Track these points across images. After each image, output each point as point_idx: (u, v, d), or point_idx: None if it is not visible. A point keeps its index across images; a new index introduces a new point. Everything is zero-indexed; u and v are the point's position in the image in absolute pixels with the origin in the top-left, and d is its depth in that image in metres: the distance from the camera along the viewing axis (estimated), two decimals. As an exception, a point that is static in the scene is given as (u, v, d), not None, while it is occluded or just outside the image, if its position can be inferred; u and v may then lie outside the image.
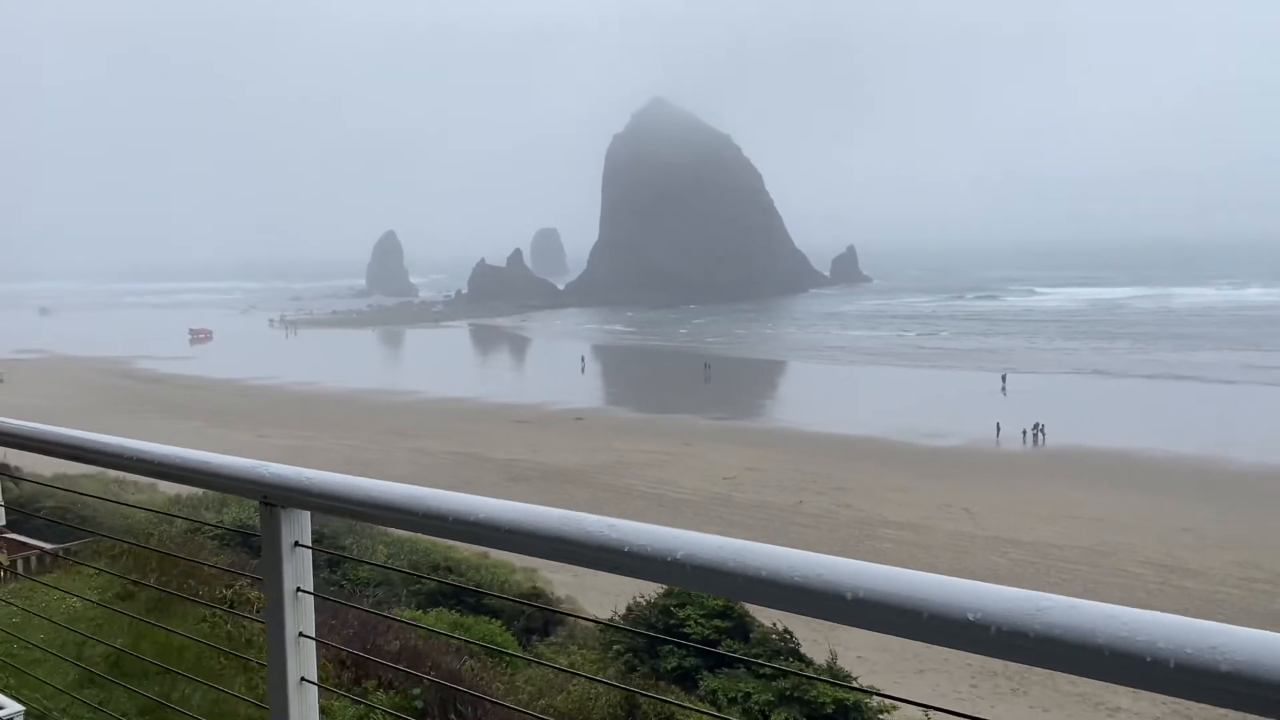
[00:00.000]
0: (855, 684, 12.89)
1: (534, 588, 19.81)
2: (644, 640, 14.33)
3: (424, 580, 18.01)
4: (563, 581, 31.53)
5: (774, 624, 13.97)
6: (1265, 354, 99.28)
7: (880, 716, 12.64)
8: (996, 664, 26.74)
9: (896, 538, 39.37)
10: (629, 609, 15.05)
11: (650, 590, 30.19)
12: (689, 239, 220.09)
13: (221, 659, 8.22)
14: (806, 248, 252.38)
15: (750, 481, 49.49)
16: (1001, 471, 52.75)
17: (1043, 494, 47.15)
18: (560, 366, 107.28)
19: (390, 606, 16.61)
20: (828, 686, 12.46)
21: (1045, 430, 60.90)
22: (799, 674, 12.67)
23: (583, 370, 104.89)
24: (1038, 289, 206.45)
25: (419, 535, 33.96)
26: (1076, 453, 56.57)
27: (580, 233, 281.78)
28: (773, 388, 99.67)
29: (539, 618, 17.84)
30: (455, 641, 13.82)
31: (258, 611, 9.62)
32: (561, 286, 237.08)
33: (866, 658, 26.41)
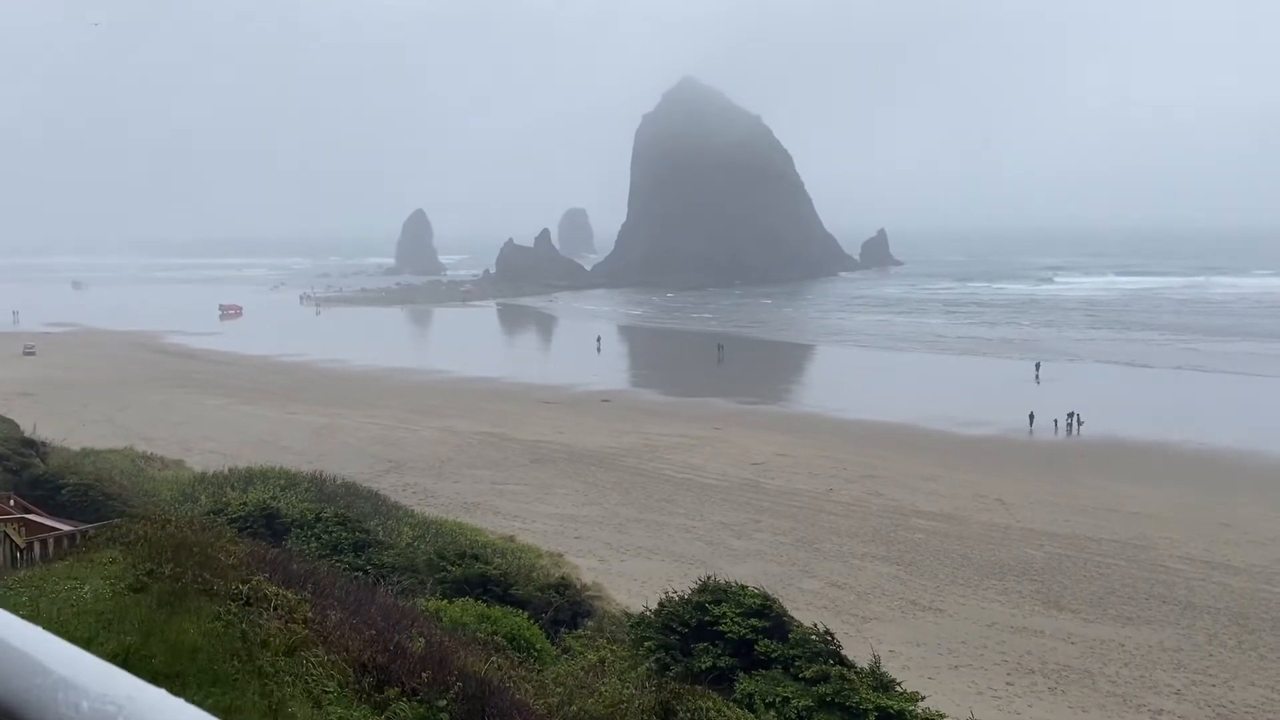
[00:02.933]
0: (899, 689, 12.29)
1: (562, 576, 19.30)
2: (676, 638, 13.79)
3: (449, 568, 17.54)
4: (590, 568, 31.14)
5: (814, 624, 13.38)
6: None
7: (925, 725, 12.06)
8: (1034, 661, 26.06)
9: (929, 528, 38.62)
10: (661, 604, 14.51)
11: (682, 583, 29.71)
12: (718, 220, 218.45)
13: (235, 661, 7.74)
14: (836, 231, 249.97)
15: (780, 467, 48.83)
16: (1035, 462, 51.81)
17: (1078, 485, 46.22)
18: (587, 347, 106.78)
19: (416, 595, 16.16)
20: (871, 693, 11.87)
21: (1081, 420, 59.78)
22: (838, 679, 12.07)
23: (599, 350, 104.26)
24: (1071, 277, 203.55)
25: (445, 517, 33.67)
26: (1112, 444, 55.47)
27: (608, 213, 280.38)
28: (802, 372, 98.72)
29: (566, 609, 17.35)
30: (482, 635, 13.34)
31: (275, 608, 9.13)
32: (589, 267, 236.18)
33: (899, 652, 25.81)
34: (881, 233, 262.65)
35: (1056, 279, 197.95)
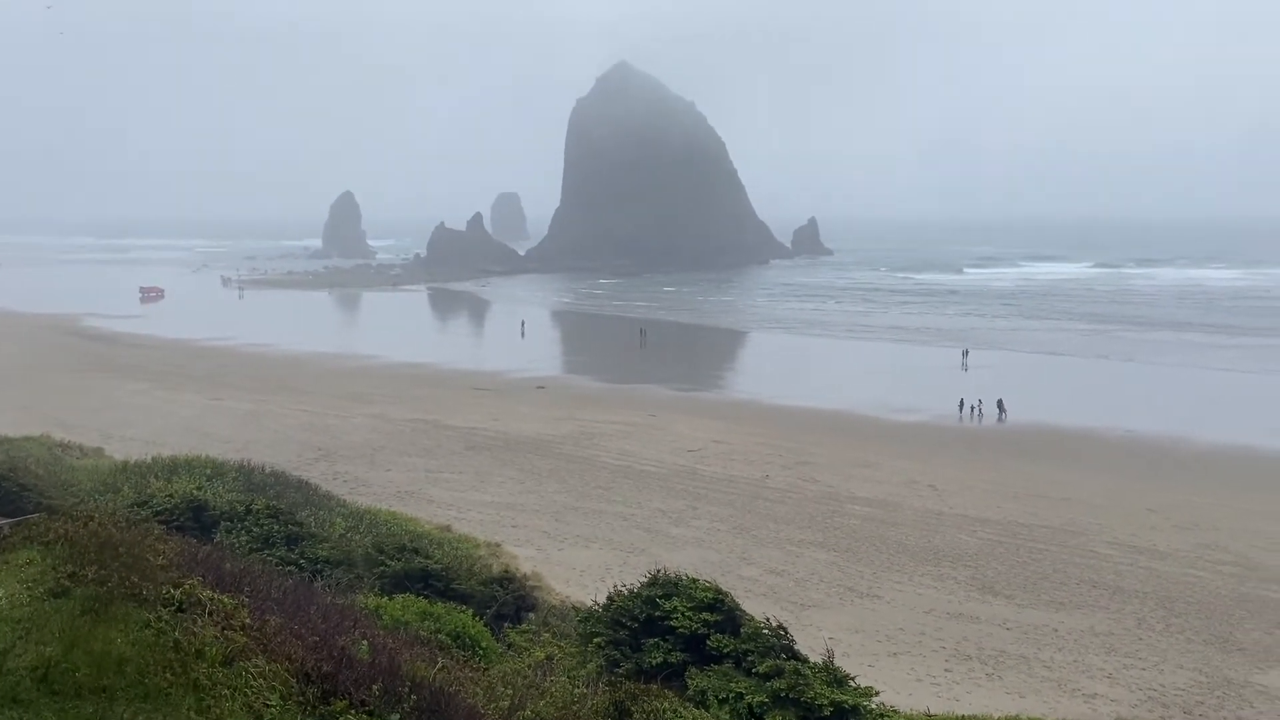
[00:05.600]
0: (853, 684, 12.13)
1: (505, 569, 18.85)
2: (626, 633, 13.47)
3: (388, 562, 16.98)
4: (528, 557, 30.66)
5: (767, 618, 13.16)
6: (1224, 335, 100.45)
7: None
8: (970, 647, 26.32)
9: (865, 514, 38.90)
10: (610, 598, 14.17)
11: (621, 572, 29.41)
12: (651, 206, 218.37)
13: (168, 674, 7.19)
14: (768, 218, 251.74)
15: (716, 454, 48.83)
16: (966, 448, 52.58)
17: (1008, 471, 47.00)
18: (526, 334, 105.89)
19: (354, 592, 15.59)
20: (826, 688, 11.69)
21: (1006, 407, 60.85)
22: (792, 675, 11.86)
23: (523, 335, 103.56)
24: (1000, 266, 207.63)
25: (378, 506, 32.91)
26: (1039, 430, 56.57)
27: (542, 198, 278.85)
28: (736, 358, 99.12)
29: (510, 603, 16.92)
30: (426, 634, 12.87)
31: (209, 614, 8.56)
32: (522, 252, 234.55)
33: (839, 639, 25.81)
34: (812, 221, 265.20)
35: (985, 268, 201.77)
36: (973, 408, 61.29)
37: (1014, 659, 25.55)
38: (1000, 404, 61.21)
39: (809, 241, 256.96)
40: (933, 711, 16.27)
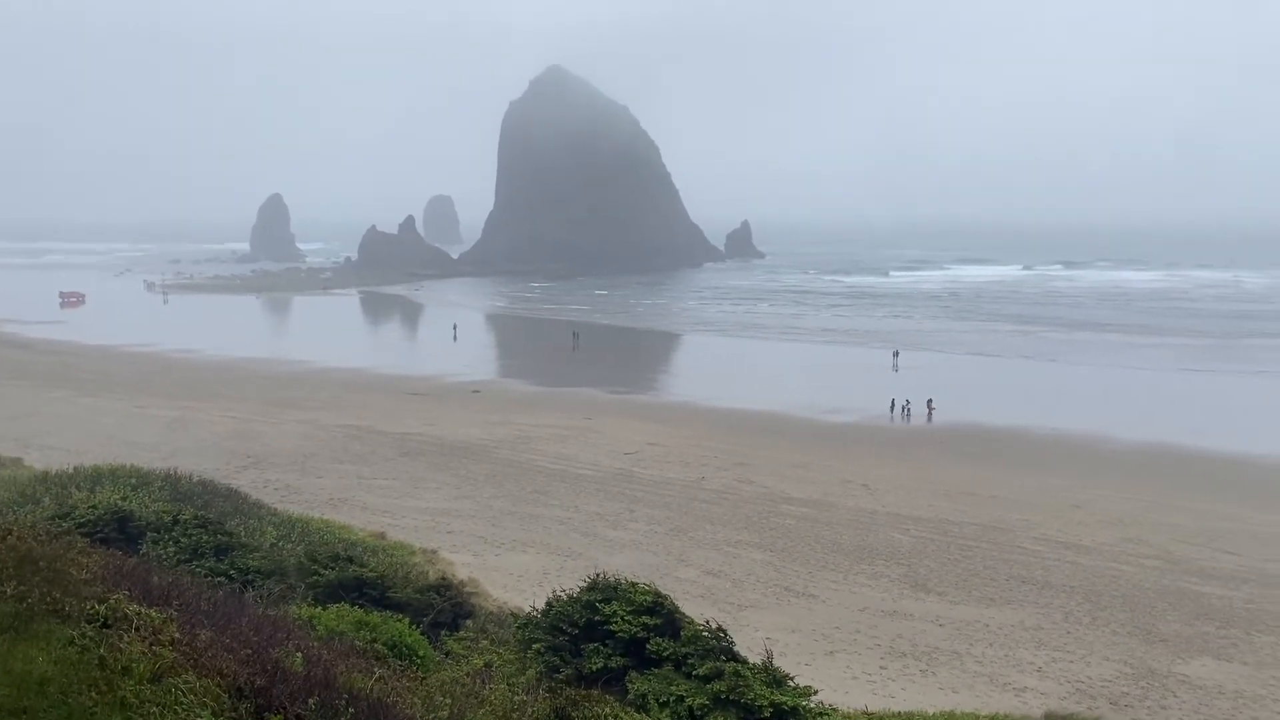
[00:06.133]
0: (792, 684, 12.21)
1: (442, 576, 18.63)
2: (566, 639, 13.39)
3: (321, 571, 16.66)
4: (464, 563, 30.39)
5: (706, 620, 13.18)
6: (1141, 335, 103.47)
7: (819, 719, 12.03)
8: (905, 644, 26.70)
9: (800, 514, 39.28)
10: (549, 604, 14.08)
11: (559, 576, 29.27)
12: (585, 209, 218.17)
13: (93, 693, 6.95)
14: (702, 222, 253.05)
15: (652, 457, 48.91)
16: (898, 447, 53.39)
17: (938, 470, 47.82)
18: (459, 337, 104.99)
19: (286, 603, 15.26)
20: (765, 689, 11.75)
21: (934, 406, 61.94)
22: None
23: (455, 339, 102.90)
24: (925, 269, 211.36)
25: (310, 514, 32.32)
26: (968, 429, 57.69)
27: (475, 201, 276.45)
28: (671, 361, 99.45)
29: (448, 610, 16.72)
30: (362, 644, 12.65)
31: (136, 630, 8.29)
32: (455, 255, 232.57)
33: (775, 639, 25.97)
34: (745, 224, 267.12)
35: (913, 271, 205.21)
36: (903, 408, 62.30)
37: (947, 655, 25.98)
38: (929, 403, 62.30)
39: (742, 244, 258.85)
40: (869, 709, 16.47)
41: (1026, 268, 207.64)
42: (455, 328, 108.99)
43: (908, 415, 61.55)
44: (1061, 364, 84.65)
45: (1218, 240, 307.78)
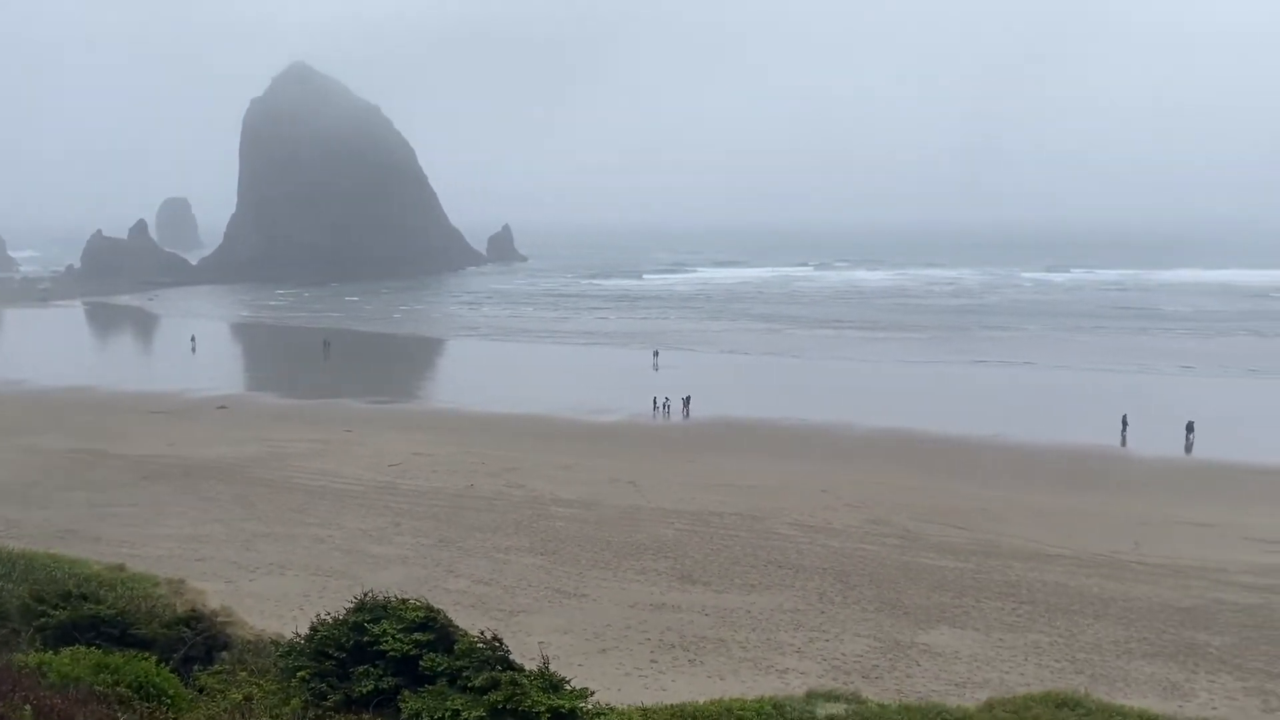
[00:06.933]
0: (569, 687, 12.20)
1: (192, 608, 17.36)
2: (332, 663, 12.79)
3: (51, 612, 15.12)
4: (216, 591, 28.49)
5: (481, 631, 12.96)
6: (873, 330, 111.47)
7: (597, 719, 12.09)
8: (674, 636, 27.43)
9: (569, 515, 39.56)
10: (313, 628, 13.39)
11: (321, 598, 28.01)
12: (338, 213, 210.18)
13: None
14: (463, 225, 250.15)
15: (418, 467, 47.81)
16: (661, 444, 54.84)
17: (700, 465, 49.47)
18: (199, 350, 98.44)
19: (10, 649, 13.72)
20: (543, 695, 11.68)
21: (690, 404, 64.13)
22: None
23: (194, 351, 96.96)
24: (679, 271, 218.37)
25: (35, 550, 29.29)
26: (724, 423, 60.10)
27: (215, 204, 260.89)
28: (434, 368, 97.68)
29: (200, 644, 15.60)
30: (103, 688, 11.57)
31: None
32: (195, 262, 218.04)
33: (548, 642, 26.04)
34: (506, 228, 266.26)
35: (668, 273, 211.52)
36: (664, 405, 64.10)
37: (713, 643, 26.92)
38: (686, 401, 64.40)
39: (504, 248, 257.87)
40: (644, 704, 16.75)
41: (774, 268, 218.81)
42: (194, 339, 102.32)
43: (668, 412, 63.40)
44: (805, 359, 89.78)
45: (943, 244, 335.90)
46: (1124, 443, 54.30)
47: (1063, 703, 16.47)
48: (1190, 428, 54.18)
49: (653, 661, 25.80)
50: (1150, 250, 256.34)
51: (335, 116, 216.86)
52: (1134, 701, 19.17)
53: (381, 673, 12.63)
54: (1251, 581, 31.76)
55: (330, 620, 13.39)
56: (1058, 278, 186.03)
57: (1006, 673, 24.90)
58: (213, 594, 27.36)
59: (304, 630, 13.91)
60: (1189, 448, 52.84)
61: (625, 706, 14.63)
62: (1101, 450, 52.45)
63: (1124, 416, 56.69)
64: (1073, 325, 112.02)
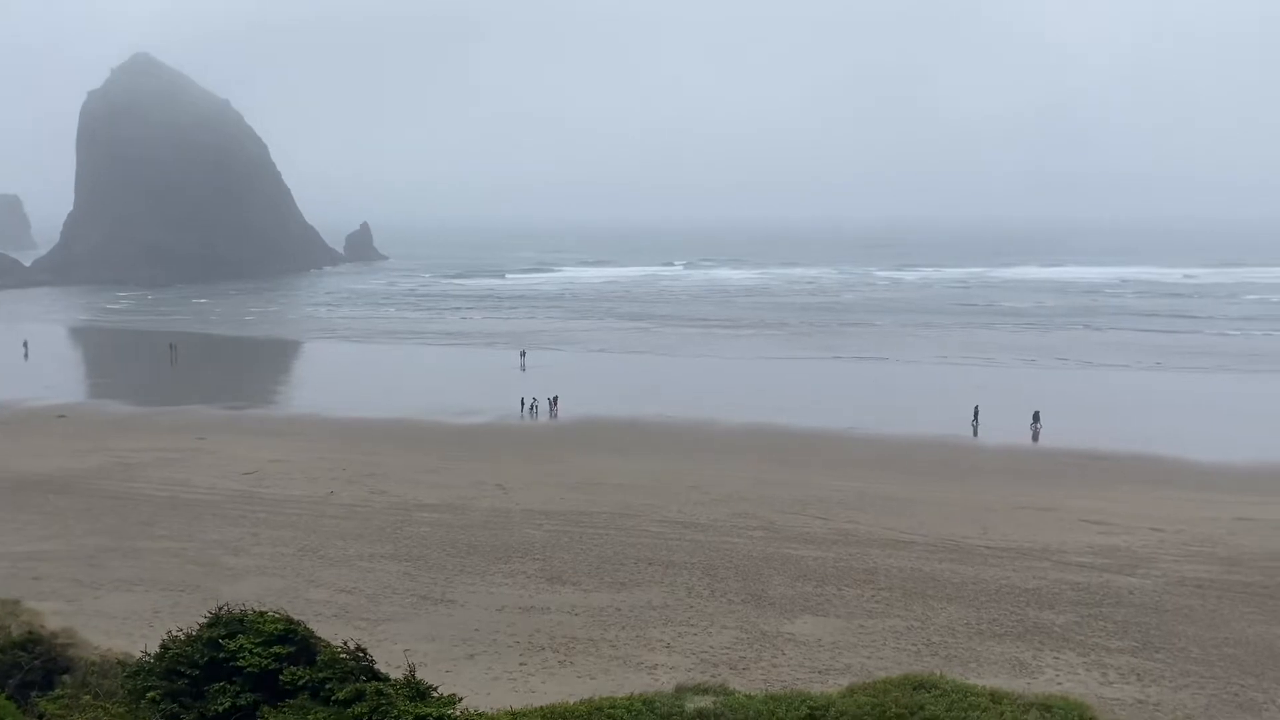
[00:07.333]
0: (436, 694, 11.99)
1: (28, 631, 16.28)
2: (185, 682, 12.20)
3: None
4: (56, 611, 26.87)
5: (345, 642, 12.58)
6: (735, 328, 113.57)
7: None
8: (543, 638, 27.29)
9: (435, 520, 38.90)
10: (164, 647, 12.74)
11: (174, 614, 26.73)
12: (185, 211, 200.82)
13: None
14: (320, 224, 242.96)
15: (276, 475, 46.18)
16: (529, 445, 54.48)
17: (567, 464, 49.38)
18: (32, 356, 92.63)
19: None
20: (409, 704, 11.44)
21: (557, 403, 64.00)
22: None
23: (25, 358, 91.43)
24: (542, 271, 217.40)
25: None
26: (592, 423, 60.19)
27: (50, 200, 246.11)
28: (291, 371, 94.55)
29: (38, 669, 14.66)
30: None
31: None
32: (28, 263, 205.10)
33: (414, 649, 25.52)
34: (365, 226, 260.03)
35: (530, 273, 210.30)
36: (531, 405, 63.74)
37: (583, 643, 26.90)
38: (552, 401, 64.21)
39: (362, 247, 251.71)
40: (513, 708, 16.58)
41: (641, 267, 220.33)
42: (26, 344, 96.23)
43: (536, 413, 63.07)
44: (673, 357, 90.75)
45: (811, 240, 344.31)
46: (975, 433, 56.85)
47: (919, 685, 17.05)
48: (1036, 417, 57.11)
49: (522, 664, 25.61)
50: (991, 249, 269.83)
51: (181, 110, 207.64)
52: (985, 680, 20.05)
53: (239, 689, 12.14)
54: (1089, 561, 33.72)
55: (183, 636, 12.78)
56: (909, 275, 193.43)
57: (867, 658, 25.72)
58: (52, 614, 25.75)
59: (154, 649, 13.25)
60: (1035, 436, 55.73)
61: (494, 711, 14.43)
62: (954, 440, 54.79)
63: (975, 408, 59.32)
64: (923, 321, 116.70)
